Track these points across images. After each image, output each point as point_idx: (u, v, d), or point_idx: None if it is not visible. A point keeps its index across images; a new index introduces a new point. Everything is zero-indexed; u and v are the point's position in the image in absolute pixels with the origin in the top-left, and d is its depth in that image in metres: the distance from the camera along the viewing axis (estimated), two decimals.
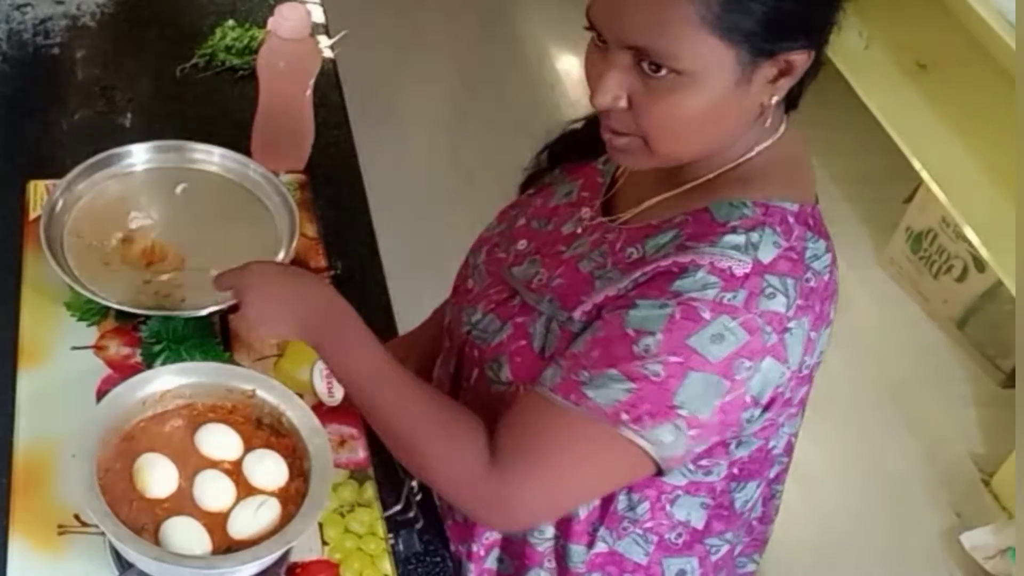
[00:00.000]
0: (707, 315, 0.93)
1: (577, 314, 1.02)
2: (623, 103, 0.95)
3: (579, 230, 1.10)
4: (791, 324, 0.94)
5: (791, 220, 0.97)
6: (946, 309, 2.68)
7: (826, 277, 0.98)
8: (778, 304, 0.94)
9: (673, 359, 0.93)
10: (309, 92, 1.48)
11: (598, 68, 0.96)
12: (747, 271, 0.93)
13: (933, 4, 2.62)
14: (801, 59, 0.93)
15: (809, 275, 0.96)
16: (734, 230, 0.95)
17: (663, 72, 0.91)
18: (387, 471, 1.18)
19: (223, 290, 1.13)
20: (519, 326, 1.07)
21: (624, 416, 0.94)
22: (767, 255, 0.94)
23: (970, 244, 2.47)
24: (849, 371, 2.49)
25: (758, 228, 0.95)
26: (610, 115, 0.98)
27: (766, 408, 0.98)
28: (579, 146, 1.18)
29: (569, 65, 3.34)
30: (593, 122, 1.14)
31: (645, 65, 0.92)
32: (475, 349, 1.12)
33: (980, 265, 2.54)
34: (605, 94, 0.95)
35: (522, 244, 1.15)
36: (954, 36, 2.60)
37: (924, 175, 2.56)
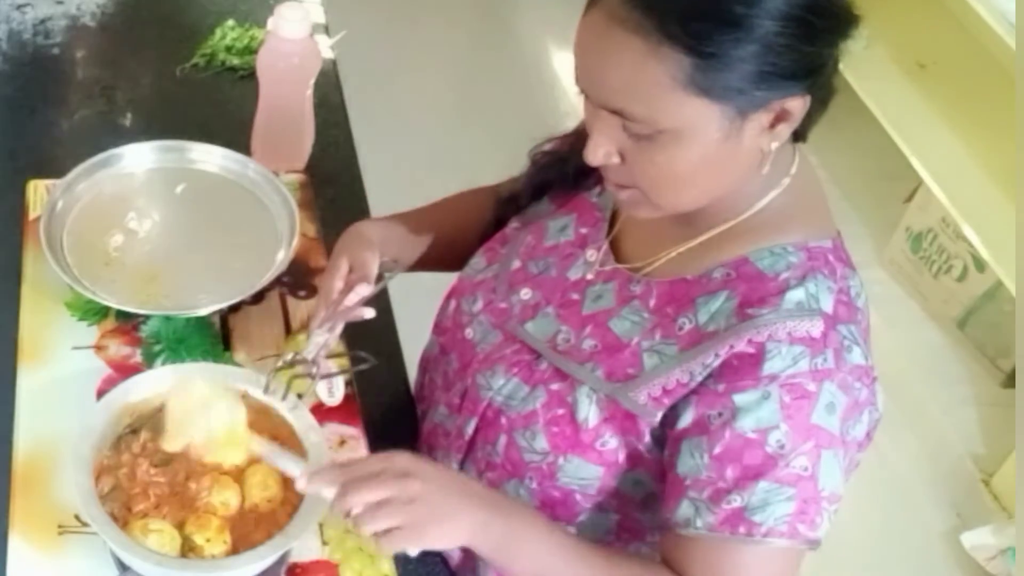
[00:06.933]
0: (812, 387, 0.91)
1: (641, 397, 0.98)
2: (615, 159, 0.94)
3: (589, 275, 1.07)
4: (875, 372, 0.96)
5: (831, 258, 0.97)
6: (946, 309, 2.68)
7: (867, 312, 0.99)
8: (857, 356, 0.94)
9: (808, 445, 0.92)
10: (309, 92, 1.48)
11: (589, 124, 0.95)
12: (823, 329, 0.92)
13: (933, 4, 2.62)
14: (797, 104, 0.90)
15: (859, 316, 0.97)
16: (788, 283, 0.94)
17: (648, 131, 0.90)
18: None
19: (349, 497, 0.91)
20: (554, 394, 1.03)
21: (801, 528, 0.93)
22: (827, 304, 0.94)
23: (970, 244, 2.46)
24: None
25: (810, 276, 0.94)
26: (607, 170, 0.96)
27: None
28: (565, 175, 1.16)
29: (568, 66, 3.32)
30: (573, 145, 1.11)
31: (629, 125, 0.90)
32: (502, 416, 1.06)
33: (980, 265, 2.54)
34: (596, 152, 0.94)
35: (526, 294, 1.10)
36: (954, 36, 2.60)
37: (924, 175, 2.56)
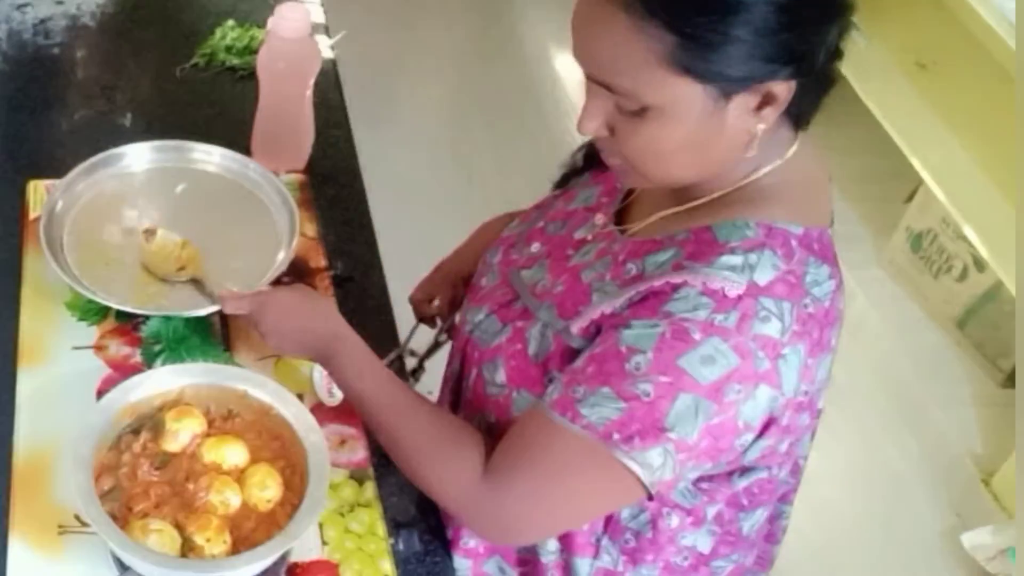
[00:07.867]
0: (697, 336, 0.92)
1: (575, 328, 1.02)
2: (605, 132, 0.96)
3: (589, 236, 1.11)
4: (785, 350, 0.93)
5: (794, 243, 0.96)
6: (946, 309, 2.68)
7: (827, 304, 0.97)
8: (772, 328, 0.93)
9: (663, 379, 0.93)
10: (309, 92, 1.48)
11: (585, 95, 0.97)
12: (740, 292, 0.92)
13: (933, 4, 2.62)
14: (782, 89, 0.91)
15: (807, 300, 0.95)
16: (732, 251, 0.95)
17: (633, 106, 0.91)
18: (387, 471, 1.18)
19: (234, 311, 1.18)
20: (518, 330, 1.08)
21: (615, 436, 0.94)
22: (764, 277, 0.93)
23: (970, 244, 2.46)
24: (849, 371, 2.49)
25: (757, 250, 0.94)
26: (599, 141, 0.99)
27: (761, 434, 0.97)
28: None
29: (569, 65, 3.33)
30: None
31: (617, 99, 0.92)
32: (475, 350, 1.12)
33: (980, 265, 2.54)
34: (587, 123, 0.96)
35: (535, 247, 1.15)
36: (954, 36, 2.59)
37: (924, 175, 2.56)
